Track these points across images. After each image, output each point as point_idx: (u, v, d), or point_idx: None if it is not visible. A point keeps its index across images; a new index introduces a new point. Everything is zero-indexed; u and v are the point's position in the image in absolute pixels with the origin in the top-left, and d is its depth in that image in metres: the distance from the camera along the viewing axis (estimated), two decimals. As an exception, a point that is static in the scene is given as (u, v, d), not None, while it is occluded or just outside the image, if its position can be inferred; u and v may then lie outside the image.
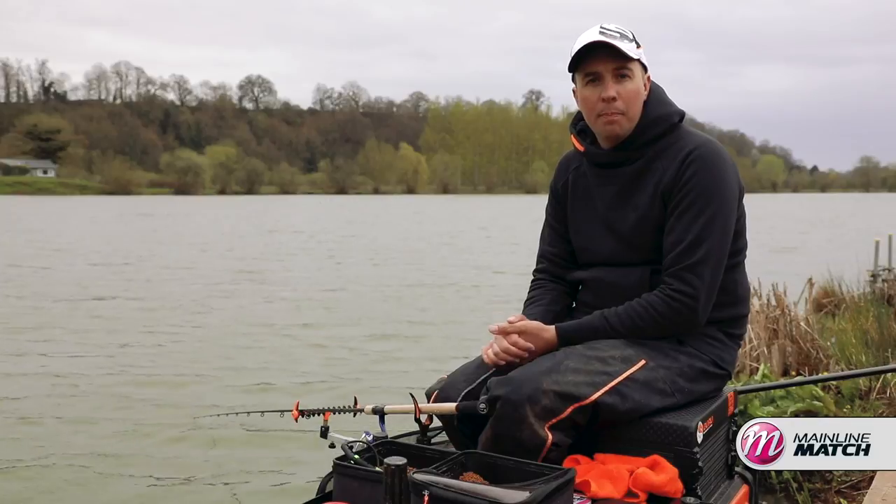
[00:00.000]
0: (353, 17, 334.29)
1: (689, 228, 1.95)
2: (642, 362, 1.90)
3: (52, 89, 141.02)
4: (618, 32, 1.99)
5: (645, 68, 2.05)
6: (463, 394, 1.91)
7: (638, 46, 2.02)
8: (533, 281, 2.29)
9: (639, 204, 2.03)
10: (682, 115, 2.08)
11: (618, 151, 2.07)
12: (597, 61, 1.99)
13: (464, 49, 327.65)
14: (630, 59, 1.99)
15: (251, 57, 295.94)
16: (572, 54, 2.02)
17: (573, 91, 2.12)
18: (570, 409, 1.78)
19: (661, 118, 2.05)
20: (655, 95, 2.08)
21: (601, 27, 2.00)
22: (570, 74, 2.10)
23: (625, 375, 1.85)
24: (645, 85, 2.05)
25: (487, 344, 2.03)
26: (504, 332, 1.97)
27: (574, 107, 2.17)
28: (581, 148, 2.15)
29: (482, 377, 1.94)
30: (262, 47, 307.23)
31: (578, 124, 2.19)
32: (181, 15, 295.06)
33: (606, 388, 1.82)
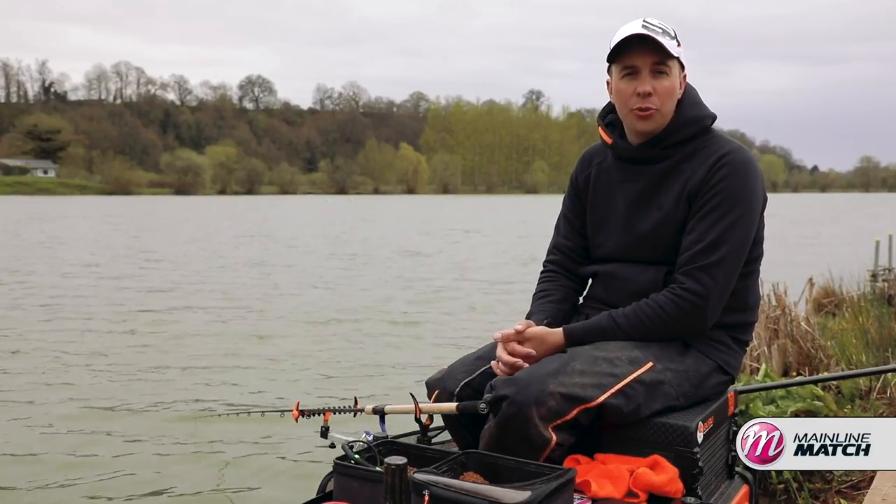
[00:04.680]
0: (338, 15, 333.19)
1: (710, 229, 1.93)
2: (649, 364, 1.89)
3: (52, 89, 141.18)
4: (660, 28, 1.97)
5: (682, 67, 2.03)
6: (461, 384, 1.92)
7: (678, 45, 2.00)
8: (543, 272, 2.27)
9: (663, 203, 2.02)
10: (714, 118, 2.07)
11: (647, 148, 2.05)
12: (636, 55, 1.97)
13: (453, 46, 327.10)
14: (670, 55, 1.97)
15: (238, 55, 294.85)
16: (612, 45, 1.99)
17: (607, 82, 2.10)
18: (575, 411, 1.77)
19: (694, 119, 2.03)
20: (690, 96, 2.06)
21: (644, 21, 1.98)
22: (607, 65, 2.07)
23: (632, 377, 1.84)
24: (681, 84, 2.03)
25: (489, 339, 2.03)
26: (506, 340, 1.94)
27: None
28: (609, 140, 2.12)
29: (481, 369, 1.95)
30: (247, 45, 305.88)
31: (608, 116, 2.16)
32: (162, 12, 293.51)
33: (613, 389, 1.80)
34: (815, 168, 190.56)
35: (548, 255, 2.29)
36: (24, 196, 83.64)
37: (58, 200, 73.25)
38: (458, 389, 1.92)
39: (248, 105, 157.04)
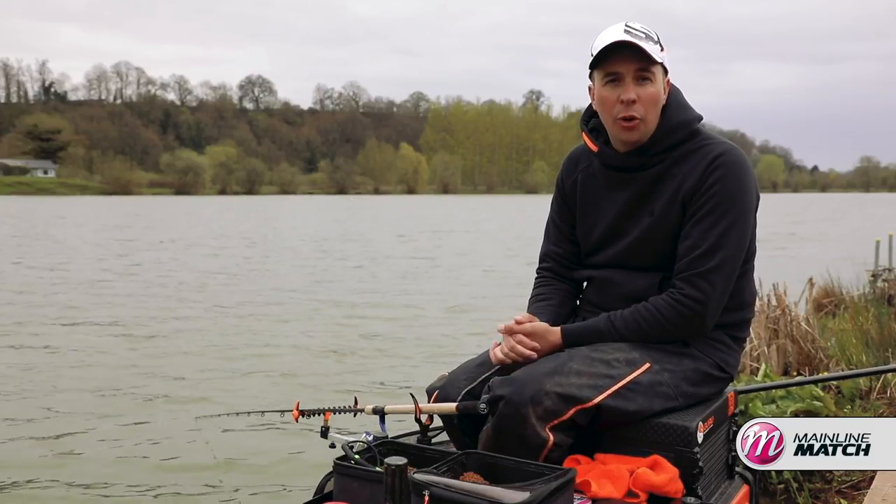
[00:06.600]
0: (331, 13, 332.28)
1: (706, 235, 1.91)
2: (647, 365, 1.88)
3: (52, 89, 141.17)
4: (643, 33, 1.92)
5: (666, 71, 1.98)
6: (463, 392, 1.90)
7: (662, 49, 1.94)
8: (538, 277, 2.25)
9: (655, 209, 1.99)
10: (700, 118, 2.03)
11: (634, 156, 2.00)
12: (619, 61, 1.92)
13: (448, 46, 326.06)
14: (654, 61, 1.92)
15: (234, 55, 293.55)
16: (594, 52, 1.94)
17: (589, 88, 2.04)
18: (571, 411, 1.77)
19: (681, 124, 1.98)
20: (675, 100, 2.01)
21: (626, 25, 1.92)
22: (589, 71, 2.01)
23: (629, 379, 1.84)
24: (665, 88, 1.98)
25: (493, 343, 2.02)
26: (511, 332, 1.95)
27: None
28: (594, 147, 2.07)
29: (483, 375, 1.93)
30: (242, 44, 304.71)
31: (591, 121, 2.11)
32: (155, 10, 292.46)
33: (609, 391, 1.80)
34: (815, 168, 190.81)
35: (540, 262, 2.27)
36: (25, 196, 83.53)
37: (58, 201, 73.21)
38: (460, 397, 1.91)
39: (248, 105, 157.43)
